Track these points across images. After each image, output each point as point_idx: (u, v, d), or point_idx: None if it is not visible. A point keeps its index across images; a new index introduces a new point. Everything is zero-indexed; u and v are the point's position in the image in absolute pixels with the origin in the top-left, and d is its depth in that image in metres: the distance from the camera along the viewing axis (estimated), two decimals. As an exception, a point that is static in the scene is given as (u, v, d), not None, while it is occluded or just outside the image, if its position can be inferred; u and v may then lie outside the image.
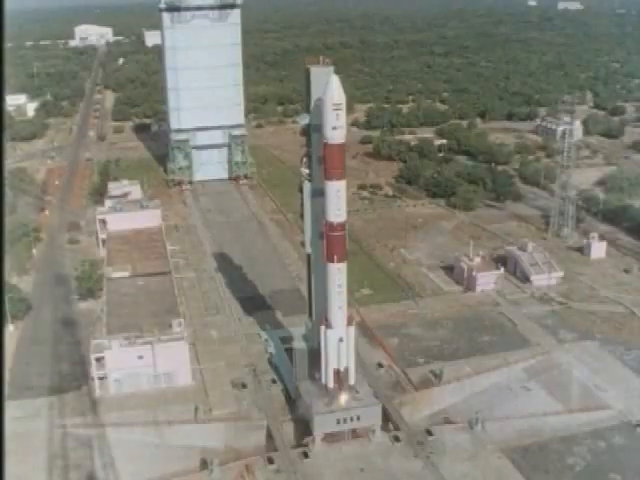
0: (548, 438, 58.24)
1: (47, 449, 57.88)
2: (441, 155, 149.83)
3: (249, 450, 57.63)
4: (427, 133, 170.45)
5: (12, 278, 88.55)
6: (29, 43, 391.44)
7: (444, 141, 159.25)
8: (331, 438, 57.27)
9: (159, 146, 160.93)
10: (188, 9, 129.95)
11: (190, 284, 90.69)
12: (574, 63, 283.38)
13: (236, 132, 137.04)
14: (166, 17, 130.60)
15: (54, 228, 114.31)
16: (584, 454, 56.39)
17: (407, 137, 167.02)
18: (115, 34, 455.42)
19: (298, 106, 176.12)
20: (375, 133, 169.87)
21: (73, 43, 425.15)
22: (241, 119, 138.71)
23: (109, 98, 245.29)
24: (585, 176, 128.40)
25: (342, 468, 54.95)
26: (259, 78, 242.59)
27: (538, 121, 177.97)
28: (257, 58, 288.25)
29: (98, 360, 65.18)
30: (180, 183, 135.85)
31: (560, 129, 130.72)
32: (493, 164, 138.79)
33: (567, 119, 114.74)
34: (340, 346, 56.82)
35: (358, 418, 57.16)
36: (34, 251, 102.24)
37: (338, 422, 56.84)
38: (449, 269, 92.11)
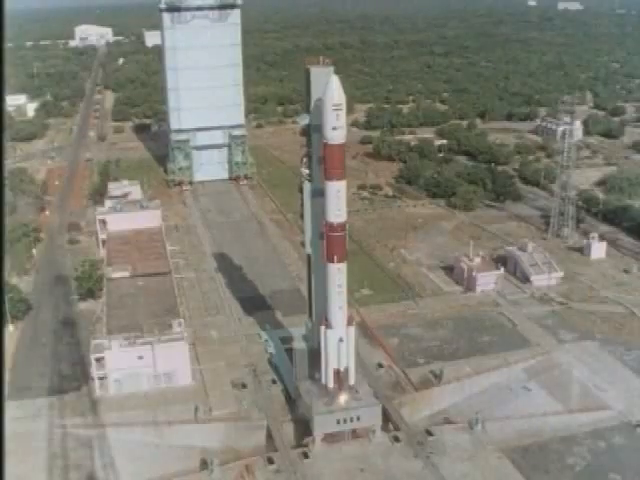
0: (548, 438, 58.25)
1: (47, 449, 57.90)
2: (441, 155, 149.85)
3: (249, 450, 57.63)
4: (427, 133, 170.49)
5: (12, 278, 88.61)
6: (29, 43, 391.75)
7: (444, 141, 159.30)
8: (331, 438, 57.29)
9: (159, 146, 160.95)
10: (188, 9, 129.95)
11: (190, 284, 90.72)
12: (574, 63, 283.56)
13: (236, 132, 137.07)
14: (166, 17, 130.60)
15: (54, 228, 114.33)
16: (584, 454, 56.40)
17: (407, 137, 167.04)
18: (115, 34, 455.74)
19: (298, 106, 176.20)
20: (375, 133, 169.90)
21: (73, 43, 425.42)
22: (241, 119, 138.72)
23: (109, 98, 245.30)
24: (585, 176, 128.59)
25: (342, 468, 54.96)
26: (259, 78, 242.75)
27: (538, 121, 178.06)
28: (257, 58, 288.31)
29: (98, 360, 65.17)
30: (180, 183, 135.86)
31: (560, 129, 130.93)
32: (493, 164, 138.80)
33: (567, 119, 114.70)
34: (340, 346, 56.84)
35: (358, 418, 57.17)
36: (34, 251, 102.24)
37: (338, 422, 56.85)
38: (449, 269, 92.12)
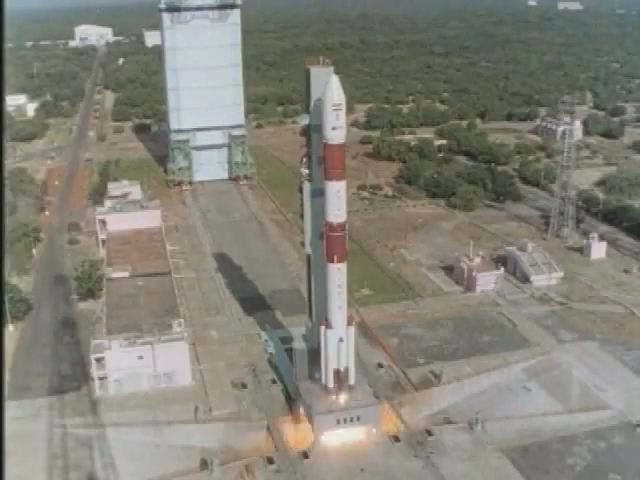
0: (548, 438, 58.23)
1: (47, 449, 57.91)
2: (441, 155, 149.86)
3: (249, 450, 57.62)
4: (427, 133, 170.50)
5: (12, 278, 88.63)
6: (29, 43, 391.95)
7: (444, 141, 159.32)
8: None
9: (159, 146, 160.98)
10: (188, 9, 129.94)
11: (190, 284, 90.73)
12: (574, 63, 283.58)
13: (236, 132, 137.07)
14: (166, 17, 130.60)
15: (54, 228, 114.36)
16: (584, 454, 56.38)
17: (407, 137, 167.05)
18: (115, 34, 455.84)
19: (298, 106, 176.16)
20: (375, 133, 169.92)
21: (73, 43, 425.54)
22: (241, 119, 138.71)
23: (109, 98, 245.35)
24: (585, 176, 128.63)
25: (342, 468, 54.95)
26: (259, 78, 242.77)
27: (538, 121, 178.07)
28: (257, 58, 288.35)
29: (98, 360, 65.22)
30: (180, 183, 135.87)
31: (560, 129, 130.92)
32: (493, 164, 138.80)
33: (567, 119, 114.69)
34: (340, 346, 56.83)
35: (358, 418, 57.15)
36: (34, 251, 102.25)
37: (338, 422, 56.83)
38: (449, 269, 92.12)
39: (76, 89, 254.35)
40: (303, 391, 60.01)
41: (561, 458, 56.01)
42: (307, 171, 57.43)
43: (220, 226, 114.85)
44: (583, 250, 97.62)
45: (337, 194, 53.42)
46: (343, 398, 57.83)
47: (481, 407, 61.66)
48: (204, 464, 55.04)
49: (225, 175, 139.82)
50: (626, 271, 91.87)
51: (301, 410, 59.75)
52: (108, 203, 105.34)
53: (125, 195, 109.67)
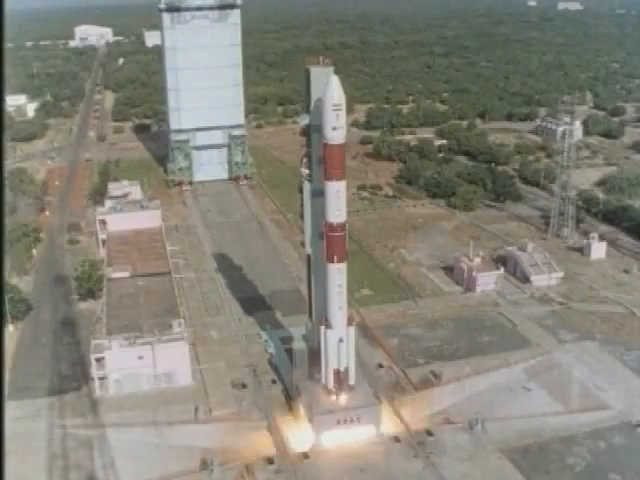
0: (548, 438, 58.20)
1: (47, 449, 57.90)
2: (441, 155, 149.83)
3: (249, 450, 57.57)
4: (427, 133, 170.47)
5: (12, 278, 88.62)
6: (29, 43, 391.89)
7: (444, 141, 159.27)
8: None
9: (159, 146, 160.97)
10: (188, 9, 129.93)
11: (190, 284, 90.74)
12: (574, 63, 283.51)
13: (236, 132, 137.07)
14: (166, 17, 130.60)
15: (54, 228, 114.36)
16: (584, 454, 56.37)
17: (407, 137, 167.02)
18: (115, 34, 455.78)
19: (298, 106, 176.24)
20: (375, 133, 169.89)
21: (73, 43, 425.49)
22: (241, 119, 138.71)
23: (109, 98, 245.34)
24: (585, 176, 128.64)
25: (342, 468, 54.94)
26: (259, 78, 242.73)
27: (538, 121, 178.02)
28: (257, 58, 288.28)
29: (98, 360, 65.21)
30: (180, 183, 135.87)
31: (560, 129, 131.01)
32: (493, 164, 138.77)
33: (567, 119, 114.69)
34: (340, 346, 56.84)
35: (358, 418, 57.16)
36: (34, 251, 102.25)
37: (338, 422, 56.84)
38: (449, 269, 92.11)
39: (76, 89, 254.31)
40: (303, 391, 60.03)
41: (561, 458, 56.01)
42: (307, 171, 57.42)
43: (220, 226, 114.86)
44: (583, 250, 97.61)
45: (337, 194, 53.43)
46: (343, 398, 57.84)
47: (481, 407, 61.65)
48: (204, 464, 55.04)
49: (225, 175, 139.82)
50: (626, 271, 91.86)
51: (301, 410, 59.75)
52: (108, 203, 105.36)
53: (125, 195, 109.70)
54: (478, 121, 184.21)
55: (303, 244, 62.17)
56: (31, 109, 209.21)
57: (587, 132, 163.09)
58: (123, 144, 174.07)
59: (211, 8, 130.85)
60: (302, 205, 58.79)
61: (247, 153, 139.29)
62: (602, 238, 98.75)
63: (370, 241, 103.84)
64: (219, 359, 71.29)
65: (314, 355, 60.08)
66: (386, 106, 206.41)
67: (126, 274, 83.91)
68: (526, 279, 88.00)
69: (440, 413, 61.97)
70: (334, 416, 56.81)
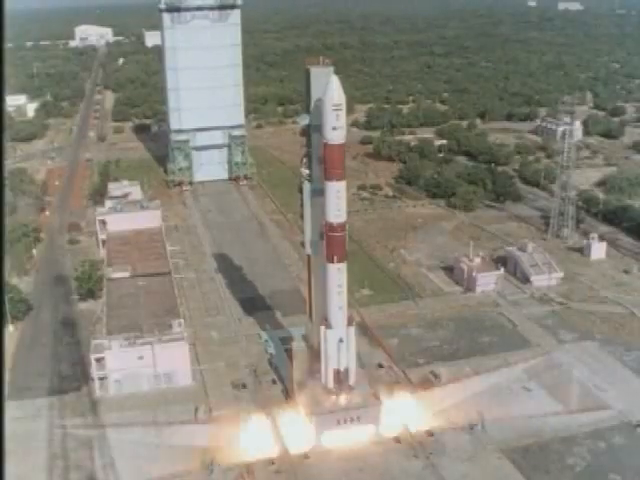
0: (548, 438, 58.18)
1: (47, 449, 57.91)
2: (441, 155, 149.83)
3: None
4: (427, 133, 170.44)
5: (12, 278, 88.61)
6: (29, 43, 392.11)
7: (444, 141, 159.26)
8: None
9: (159, 147, 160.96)
10: (188, 9, 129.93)
11: (190, 284, 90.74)
12: (574, 63, 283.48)
13: (236, 132, 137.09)
14: (166, 17, 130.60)
15: (54, 228, 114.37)
16: (584, 454, 56.37)
17: (407, 137, 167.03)
18: (115, 34, 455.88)
19: (298, 106, 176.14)
20: (375, 133, 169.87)
21: (73, 43, 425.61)
22: (241, 119, 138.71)
23: (109, 98, 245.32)
24: (585, 176, 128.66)
25: (342, 468, 54.93)
26: (259, 78, 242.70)
27: (538, 121, 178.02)
28: (257, 58, 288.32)
29: (98, 360, 65.21)
30: (180, 184, 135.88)
31: (560, 129, 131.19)
32: (493, 165, 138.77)
33: (567, 119, 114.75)
34: (340, 346, 56.82)
35: (358, 418, 57.16)
36: (34, 251, 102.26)
37: (338, 422, 56.84)
38: (449, 270, 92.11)
39: (76, 89, 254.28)
40: (303, 391, 60.00)
41: (561, 458, 56.01)
42: (307, 171, 57.43)
43: (220, 226, 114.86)
44: (583, 250, 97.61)
45: (337, 194, 53.42)
46: (343, 398, 57.83)
47: (481, 407, 61.62)
48: (204, 464, 55.01)
49: (225, 175, 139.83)
50: (626, 271, 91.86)
51: (301, 410, 59.73)
52: (108, 203, 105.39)
53: (125, 195, 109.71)
54: (478, 121, 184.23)
55: (303, 244, 62.16)
56: (31, 109, 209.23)
57: (587, 132, 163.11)
58: (123, 144, 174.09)
59: (211, 8, 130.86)
60: (302, 205, 58.80)
61: (247, 153, 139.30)
62: (602, 238, 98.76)
63: (370, 241, 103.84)
64: (219, 359, 71.31)
65: (314, 355, 60.04)
66: (386, 106, 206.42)
67: (126, 274, 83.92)
68: (526, 279, 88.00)
69: (440, 413, 61.89)
70: (334, 416, 56.81)
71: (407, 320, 79.49)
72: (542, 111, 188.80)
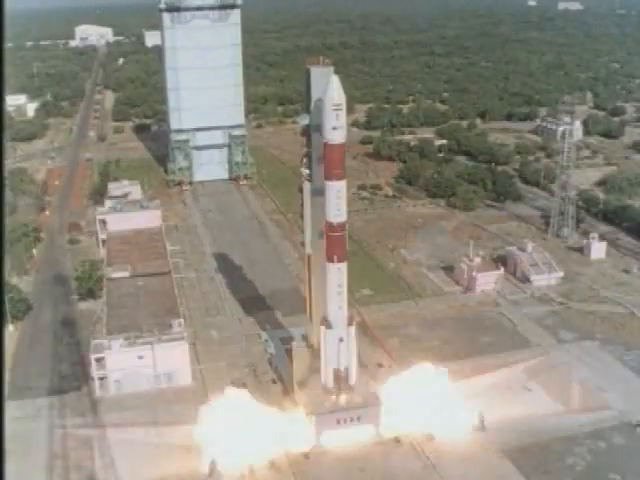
0: (548, 438, 58.18)
1: (47, 449, 57.91)
2: (441, 155, 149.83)
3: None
4: (427, 133, 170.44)
5: (12, 278, 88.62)
6: (29, 43, 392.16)
7: (444, 141, 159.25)
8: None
9: (159, 146, 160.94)
10: (188, 9, 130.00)
11: (190, 284, 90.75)
12: (574, 63, 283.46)
13: (236, 132, 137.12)
14: (166, 17, 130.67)
15: (54, 228, 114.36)
16: (584, 454, 56.37)
17: (407, 137, 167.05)
18: (115, 34, 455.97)
19: (298, 106, 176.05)
20: (375, 133, 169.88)
21: (73, 43, 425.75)
22: (241, 119, 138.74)
23: (109, 98, 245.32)
24: (585, 176, 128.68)
25: (342, 468, 54.93)
26: (259, 78, 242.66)
27: (538, 121, 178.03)
28: (257, 58, 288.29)
29: (98, 360, 65.20)
30: (180, 183, 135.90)
31: (560, 129, 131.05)
32: (493, 164, 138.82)
33: (567, 119, 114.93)
34: (340, 346, 56.81)
35: (358, 418, 57.14)
36: (34, 251, 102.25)
37: (338, 422, 56.82)
38: (449, 269, 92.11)
39: (76, 89, 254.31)
40: (303, 391, 59.98)
41: (561, 458, 56.00)
42: (307, 171, 57.46)
43: (220, 226, 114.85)
44: (583, 250, 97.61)
45: (337, 194, 53.42)
46: (343, 398, 57.81)
47: (481, 407, 61.56)
48: (205, 465, 54.94)
49: (225, 175, 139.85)
50: (626, 271, 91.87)
51: (301, 410, 59.71)
52: (108, 203, 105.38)
53: (125, 195, 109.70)
54: (478, 121, 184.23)
55: (303, 244, 62.20)
56: (31, 109, 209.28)
57: (587, 132, 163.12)
58: (123, 144, 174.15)
59: (211, 8, 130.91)
60: (302, 205, 58.83)
61: (247, 153, 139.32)
62: (602, 238, 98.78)
63: (370, 241, 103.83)
64: (219, 359, 71.32)
65: (314, 355, 60.02)
66: (386, 106, 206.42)
67: (126, 274, 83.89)
68: (526, 279, 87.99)
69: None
70: (334, 416, 56.81)
71: (407, 320, 79.48)
72: (542, 111, 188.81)
